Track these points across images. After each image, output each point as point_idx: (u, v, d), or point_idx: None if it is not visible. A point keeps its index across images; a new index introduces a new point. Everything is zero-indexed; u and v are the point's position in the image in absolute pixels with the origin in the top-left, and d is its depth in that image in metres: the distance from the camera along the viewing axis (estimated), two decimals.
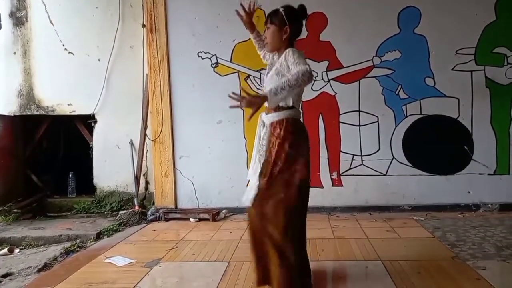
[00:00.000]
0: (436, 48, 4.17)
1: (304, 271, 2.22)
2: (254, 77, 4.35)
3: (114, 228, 3.85)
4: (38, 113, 4.71)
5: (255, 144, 2.30)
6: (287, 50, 2.18)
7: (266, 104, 2.09)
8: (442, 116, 4.18)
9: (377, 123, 4.26)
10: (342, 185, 4.28)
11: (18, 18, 4.75)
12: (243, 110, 4.35)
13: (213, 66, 4.36)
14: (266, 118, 2.24)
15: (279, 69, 2.18)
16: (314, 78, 2.02)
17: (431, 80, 4.18)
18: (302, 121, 2.36)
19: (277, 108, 2.19)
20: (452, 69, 4.15)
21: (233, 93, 2.04)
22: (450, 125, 4.17)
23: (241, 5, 2.49)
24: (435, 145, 4.18)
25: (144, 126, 4.45)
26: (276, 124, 2.19)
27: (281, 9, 2.26)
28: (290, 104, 2.19)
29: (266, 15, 2.33)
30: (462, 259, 2.71)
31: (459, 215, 3.93)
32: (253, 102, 2.03)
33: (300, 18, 2.30)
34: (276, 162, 2.14)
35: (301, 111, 2.37)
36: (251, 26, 2.55)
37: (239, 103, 2.03)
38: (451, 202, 4.12)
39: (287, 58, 2.14)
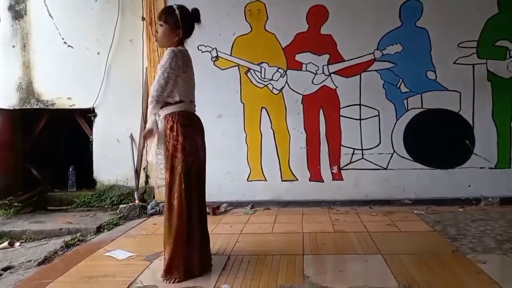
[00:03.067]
0: (438, 42, 4.14)
1: (203, 249, 2.46)
2: (254, 70, 4.32)
3: (115, 221, 3.85)
4: (37, 106, 4.70)
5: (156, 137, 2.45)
6: (167, 50, 2.33)
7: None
8: (444, 110, 4.16)
9: (378, 117, 4.24)
10: (342, 179, 4.27)
11: (17, 11, 4.72)
12: (243, 104, 4.35)
13: (213, 59, 4.34)
14: (161, 111, 2.39)
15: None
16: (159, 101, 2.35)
17: (433, 74, 4.16)
18: (195, 113, 2.52)
19: (167, 103, 2.36)
20: (454, 63, 4.13)
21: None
22: (452, 119, 4.15)
23: None
24: (436, 139, 4.17)
25: (144, 120, 4.43)
26: (168, 116, 2.38)
27: (176, 10, 2.36)
28: (178, 99, 2.36)
29: (164, 10, 2.44)
30: (462, 252, 2.71)
31: (460, 209, 3.92)
32: (147, 133, 2.42)
33: (193, 21, 2.43)
34: (174, 155, 2.34)
35: (194, 103, 2.50)
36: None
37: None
38: (452, 196, 4.11)
39: (161, 59, 2.35)
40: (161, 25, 2.38)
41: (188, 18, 2.41)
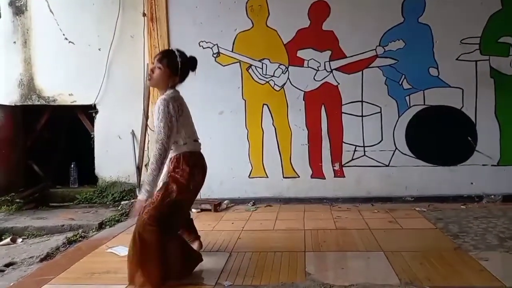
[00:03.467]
0: (441, 38, 4.12)
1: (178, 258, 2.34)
2: (256, 66, 4.31)
3: (116, 218, 3.85)
4: (39, 103, 4.70)
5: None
6: (159, 100, 2.30)
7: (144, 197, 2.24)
8: (446, 106, 4.15)
9: (380, 113, 4.23)
10: (344, 176, 4.27)
11: (18, 7, 4.71)
12: (245, 101, 4.34)
13: (215, 55, 4.32)
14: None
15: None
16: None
17: (435, 70, 4.14)
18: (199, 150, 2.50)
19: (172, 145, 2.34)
20: (457, 59, 4.11)
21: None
22: (454, 116, 4.14)
23: None
24: (439, 136, 4.15)
25: (146, 117, 4.43)
26: (173, 158, 2.37)
27: (178, 57, 2.35)
28: (182, 143, 2.38)
29: (166, 54, 2.40)
30: (464, 250, 2.70)
31: (462, 206, 3.92)
32: (138, 208, 2.25)
33: (189, 69, 2.43)
34: (171, 186, 2.31)
35: (198, 141, 2.50)
36: None
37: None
38: (454, 193, 4.10)
39: (155, 112, 2.30)
40: (159, 67, 2.34)
41: (186, 65, 2.40)
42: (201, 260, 2.48)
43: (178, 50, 2.41)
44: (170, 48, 2.48)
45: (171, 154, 2.38)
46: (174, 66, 2.35)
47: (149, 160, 4.46)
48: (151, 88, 4.35)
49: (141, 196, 2.25)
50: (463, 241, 2.87)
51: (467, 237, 2.96)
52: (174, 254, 2.31)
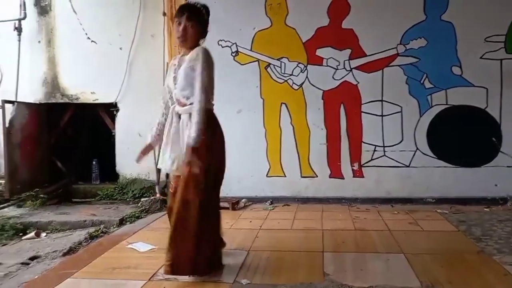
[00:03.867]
0: (464, 35, 4.02)
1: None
2: (274, 65, 4.30)
3: (136, 214, 3.92)
4: (62, 101, 4.81)
5: (166, 136, 2.37)
6: (201, 49, 2.27)
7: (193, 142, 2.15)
8: (469, 106, 4.05)
9: (400, 113, 4.16)
10: (363, 176, 4.22)
11: (43, 7, 4.83)
12: (263, 99, 4.33)
13: (233, 54, 4.34)
14: (183, 110, 2.29)
15: (191, 66, 2.25)
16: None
17: (458, 69, 4.04)
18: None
19: (185, 102, 2.28)
20: (481, 58, 4.01)
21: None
22: (478, 116, 4.04)
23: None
24: (461, 137, 4.07)
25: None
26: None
27: (205, 14, 2.33)
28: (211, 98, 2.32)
29: (195, 10, 2.33)
30: (488, 253, 2.64)
31: (485, 209, 3.82)
32: (194, 161, 2.15)
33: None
34: (205, 153, 2.19)
35: (213, 102, 2.39)
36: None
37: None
38: (477, 195, 4.00)
39: (198, 59, 2.24)
40: (187, 24, 2.29)
41: (208, 16, 2.40)
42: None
43: (203, 5, 2.37)
44: (193, 3, 2.38)
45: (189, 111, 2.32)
46: (205, 23, 2.35)
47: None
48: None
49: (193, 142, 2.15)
50: (486, 245, 2.80)
51: (490, 241, 2.89)
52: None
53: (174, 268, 2.27)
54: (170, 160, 2.34)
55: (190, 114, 2.25)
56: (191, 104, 2.26)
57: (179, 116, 2.35)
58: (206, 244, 2.28)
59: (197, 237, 2.24)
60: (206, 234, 2.28)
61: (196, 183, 2.21)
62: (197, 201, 2.22)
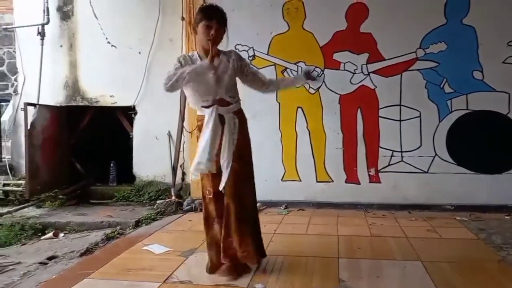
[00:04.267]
0: (486, 39, 3.93)
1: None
2: (291, 69, 4.29)
3: (152, 216, 3.95)
4: (82, 104, 4.92)
5: (210, 137, 2.38)
6: (234, 53, 2.52)
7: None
8: (491, 111, 3.95)
9: (419, 118, 4.09)
10: (380, 182, 4.16)
11: (65, 12, 4.96)
12: (279, 103, 4.33)
13: (250, 58, 4.35)
14: (226, 110, 2.41)
15: (237, 68, 2.47)
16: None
17: (480, 74, 3.96)
18: None
19: (231, 101, 2.44)
20: (503, 62, 3.91)
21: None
22: (499, 122, 3.93)
23: None
24: (482, 143, 3.97)
25: (182, 118, 4.53)
26: (237, 113, 2.48)
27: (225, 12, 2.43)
28: (239, 96, 2.50)
29: (221, 12, 2.42)
30: (509, 262, 2.56)
31: (506, 217, 3.71)
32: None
33: None
34: (246, 147, 2.61)
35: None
36: None
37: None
38: (498, 202, 3.89)
39: (241, 59, 2.53)
40: (218, 27, 2.35)
41: None
42: None
43: (219, 6, 2.45)
44: (217, 5, 2.47)
45: (237, 107, 2.51)
46: (225, 22, 2.44)
47: (184, 161, 4.64)
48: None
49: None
50: (508, 254, 2.72)
51: (511, 249, 2.80)
52: None
53: (247, 256, 2.41)
54: (209, 162, 2.38)
55: (233, 113, 2.44)
56: (237, 102, 2.48)
57: (220, 117, 2.40)
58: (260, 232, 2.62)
59: (257, 225, 2.61)
60: (258, 222, 2.64)
61: (249, 178, 2.58)
62: (253, 194, 2.59)
